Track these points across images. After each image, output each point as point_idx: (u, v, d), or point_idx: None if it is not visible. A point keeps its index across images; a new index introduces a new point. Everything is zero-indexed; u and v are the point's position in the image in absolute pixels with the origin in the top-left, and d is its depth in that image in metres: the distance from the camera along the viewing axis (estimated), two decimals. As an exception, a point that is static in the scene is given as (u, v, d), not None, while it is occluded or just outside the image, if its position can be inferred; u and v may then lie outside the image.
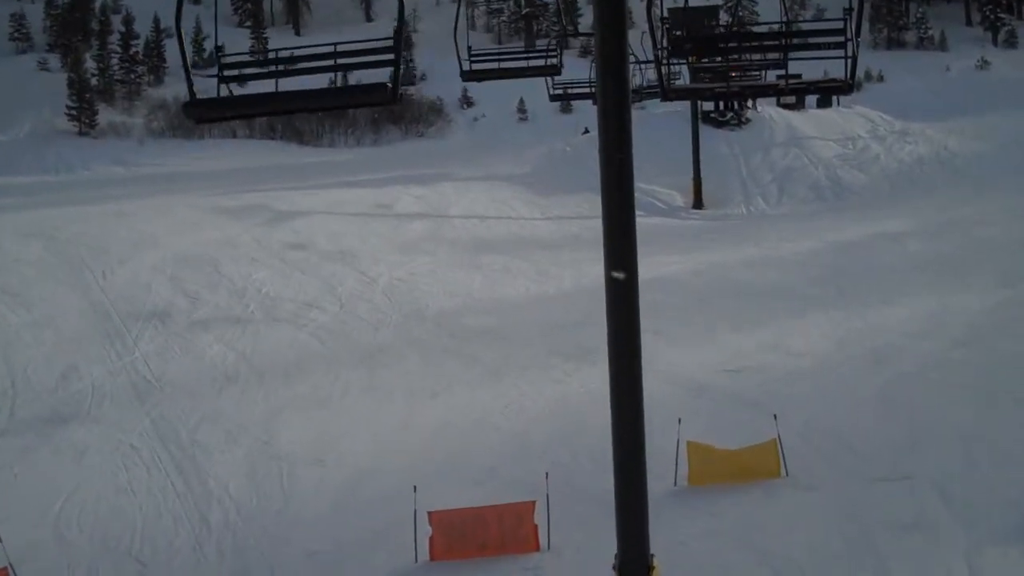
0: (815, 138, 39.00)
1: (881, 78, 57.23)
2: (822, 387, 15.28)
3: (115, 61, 57.86)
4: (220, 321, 20.30)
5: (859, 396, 14.82)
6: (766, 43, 11.57)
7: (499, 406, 15.27)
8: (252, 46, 61.27)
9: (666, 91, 10.74)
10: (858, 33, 9.40)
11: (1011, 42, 63.62)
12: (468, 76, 19.24)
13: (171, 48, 64.40)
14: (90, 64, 55.94)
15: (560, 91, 21.68)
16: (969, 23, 68.39)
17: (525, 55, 20.43)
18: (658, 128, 39.21)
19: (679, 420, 12.18)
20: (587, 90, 21.26)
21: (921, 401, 14.43)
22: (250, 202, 29.67)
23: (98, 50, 57.46)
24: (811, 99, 44.53)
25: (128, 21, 59.76)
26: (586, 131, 47.15)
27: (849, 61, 9.43)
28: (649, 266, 25.30)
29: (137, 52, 59.18)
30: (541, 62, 20.37)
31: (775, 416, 12.23)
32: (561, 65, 19.71)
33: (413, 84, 57.61)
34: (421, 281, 23.86)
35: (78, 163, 46.08)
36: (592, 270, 24.71)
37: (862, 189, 36.20)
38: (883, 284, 22.26)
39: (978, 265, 23.27)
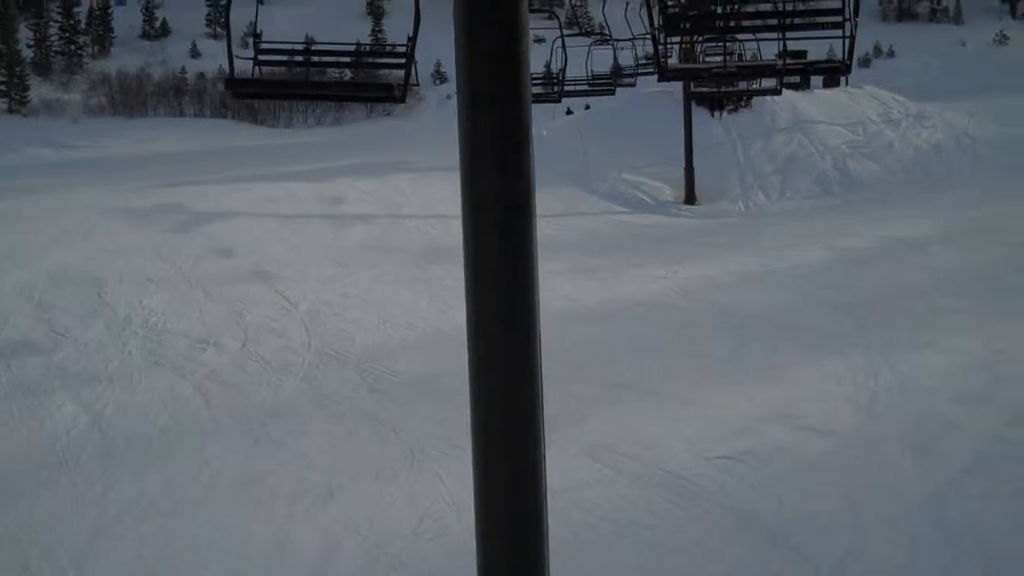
0: (821, 122, 34.88)
1: (892, 53, 52.86)
2: (853, 495, 11.17)
3: (54, 30, 52.81)
4: (84, 367, 16.13)
5: (906, 513, 10.71)
6: (763, 21, 10.90)
7: (411, 522, 11.13)
8: (208, 14, 56.48)
9: (662, 70, 9.87)
10: (856, 12, 9.22)
11: (1029, 14, 59.44)
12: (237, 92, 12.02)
13: (119, 16, 59.57)
14: (27, 33, 51.04)
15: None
16: (984, -7, 64.08)
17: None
18: (645, 110, 35.09)
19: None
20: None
21: (991, 527, 10.36)
22: (164, 200, 25.39)
23: (35, 18, 52.45)
24: (816, 78, 40.33)
25: (70, -15, 54.84)
26: (569, 112, 43.18)
27: (847, 41, 9.15)
28: (630, 283, 21.20)
29: (79, 21, 54.19)
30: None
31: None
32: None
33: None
34: (352, 305, 19.75)
35: (3, 145, 41.54)
36: (562, 286, 20.43)
37: (874, 181, 32.29)
38: (911, 314, 18.26)
39: (1026, 287, 19.37)
